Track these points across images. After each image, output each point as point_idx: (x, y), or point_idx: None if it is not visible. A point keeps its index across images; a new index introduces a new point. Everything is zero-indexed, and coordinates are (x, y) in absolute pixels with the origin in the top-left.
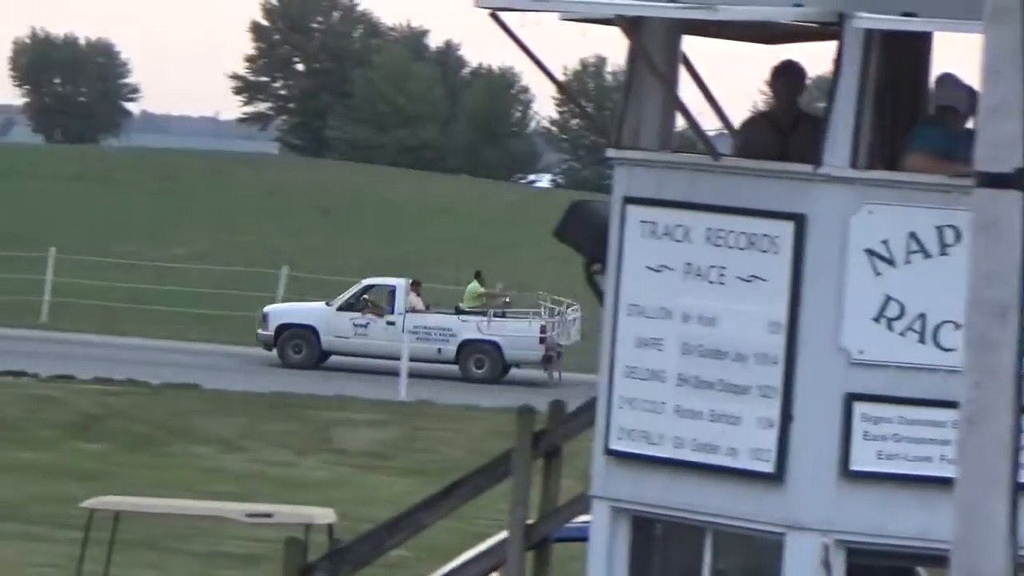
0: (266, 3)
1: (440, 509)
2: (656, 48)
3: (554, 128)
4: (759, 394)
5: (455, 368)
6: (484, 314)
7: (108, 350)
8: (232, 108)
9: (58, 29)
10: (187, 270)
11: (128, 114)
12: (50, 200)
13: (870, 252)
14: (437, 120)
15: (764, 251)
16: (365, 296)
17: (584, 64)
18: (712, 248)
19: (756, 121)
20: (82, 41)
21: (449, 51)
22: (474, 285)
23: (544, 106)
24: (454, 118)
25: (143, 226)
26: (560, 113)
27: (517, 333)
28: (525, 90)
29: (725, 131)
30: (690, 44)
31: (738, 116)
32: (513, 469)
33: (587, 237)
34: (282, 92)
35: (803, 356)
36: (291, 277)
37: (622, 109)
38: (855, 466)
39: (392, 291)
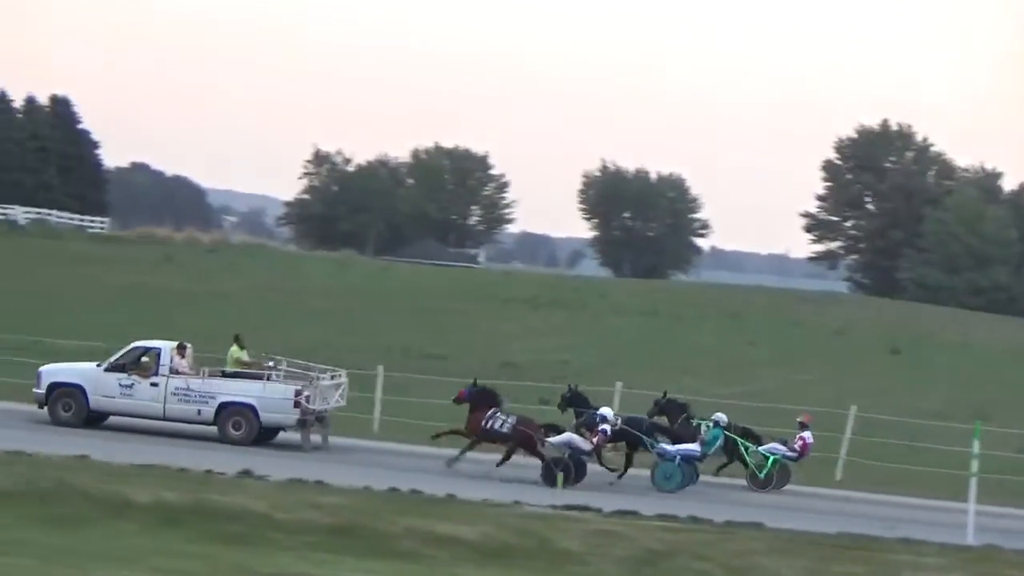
0: (839, 142)
1: None
2: None
3: None
4: None
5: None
6: (241, 376)
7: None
8: (802, 246)
9: (629, 163)
10: (750, 408)
11: (698, 250)
12: (617, 334)
13: None
14: (1010, 262)
15: None
16: (144, 358)
17: None
18: None
19: None
20: (653, 175)
21: (1023, 193)
22: (234, 348)
23: None
24: None
25: (709, 363)
26: None
27: (273, 396)
28: None
29: None
30: None
31: None
32: None
33: None
34: (852, 231)
35: None
36: (859, 416)
37: None
38: None
39: (159, 353)
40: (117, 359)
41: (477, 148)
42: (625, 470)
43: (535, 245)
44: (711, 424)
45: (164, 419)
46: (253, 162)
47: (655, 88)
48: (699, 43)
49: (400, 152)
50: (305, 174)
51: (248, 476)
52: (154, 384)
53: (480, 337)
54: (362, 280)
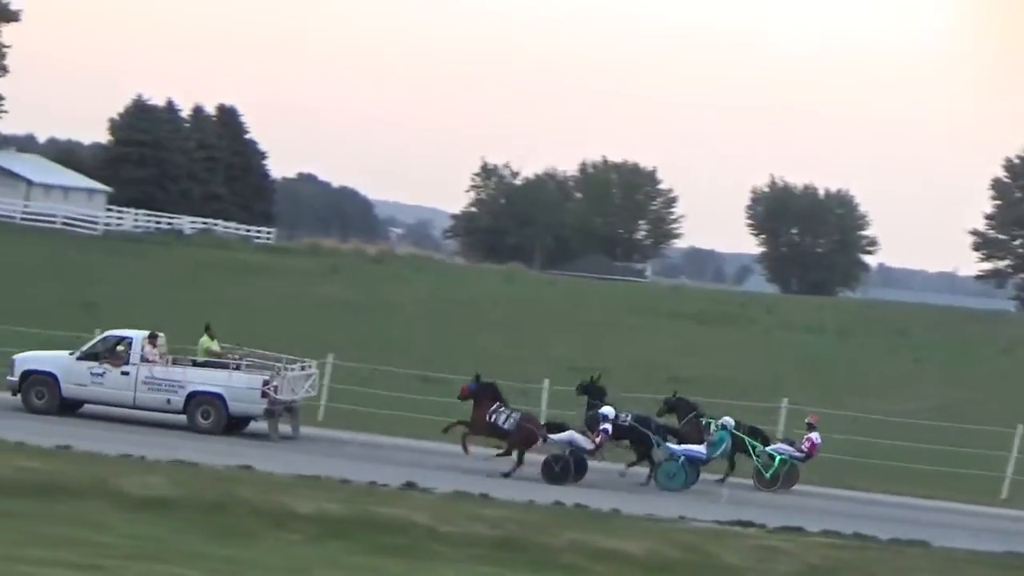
0: (1008, 161)
1: None
2: None
3: None
4: None
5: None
6: (210, 365)
7: (839, 503)
8: (970, 264)
9: (797, 178)
10: (914, 425)
11: (866, 267)
12: (784, 350)
13: None
14: None
15: None
16: (119, 346)
17: None
18: None
19: None
20: (821, 192)
21: None
22: (205, 339)
23: None
24: None
25: (875, 380)
26: None
27: (240, 385)
28: None
29: None
30: None
31: None
32: None
33: None
34: (1021, 250)
35: None
36: None
37: None
38: None
39: (130, 343)
40: (89, 348)
41: (645, 163)
42: (634, 464)
43: (702, 260)
44: (719, 426)
45: (134, 407)
46: (420, 174)
47: (823, 104)
48: (866, 59)
49: (568, 166)
50: (473, 187)
51: (412, 488)
52: (125, 373)
53: (646, 351)
54: (529, 293)
